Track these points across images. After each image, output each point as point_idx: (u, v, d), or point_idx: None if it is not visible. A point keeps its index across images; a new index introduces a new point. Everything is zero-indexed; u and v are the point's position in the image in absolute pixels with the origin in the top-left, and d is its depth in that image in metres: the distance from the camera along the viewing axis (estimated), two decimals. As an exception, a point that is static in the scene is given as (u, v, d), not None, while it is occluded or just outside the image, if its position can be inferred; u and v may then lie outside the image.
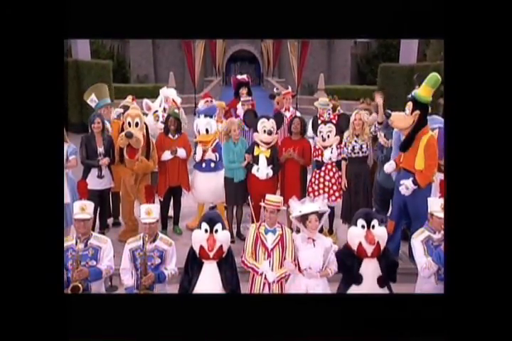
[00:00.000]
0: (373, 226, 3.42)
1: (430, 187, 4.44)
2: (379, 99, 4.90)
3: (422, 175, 4.32)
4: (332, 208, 4.79)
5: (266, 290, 3.52)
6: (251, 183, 5.08)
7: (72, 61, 12.49)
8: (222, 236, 3.39)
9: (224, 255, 3.42)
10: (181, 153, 5.22)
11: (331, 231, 5.28)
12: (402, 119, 4.36)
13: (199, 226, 3.44)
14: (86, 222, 3.52)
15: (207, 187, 5.37)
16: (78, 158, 5.03)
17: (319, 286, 3.48)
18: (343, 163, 5.06)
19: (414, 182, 4.33)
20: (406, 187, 4.36)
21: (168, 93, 6.10)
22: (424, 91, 4.25)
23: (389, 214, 5.10)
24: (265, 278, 3.50)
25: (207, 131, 5.31)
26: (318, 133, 5.09)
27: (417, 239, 3.56)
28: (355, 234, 3.44)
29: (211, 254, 3.36)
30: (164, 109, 5.78)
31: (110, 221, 5.69)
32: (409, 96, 4.49)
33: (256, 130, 5.06)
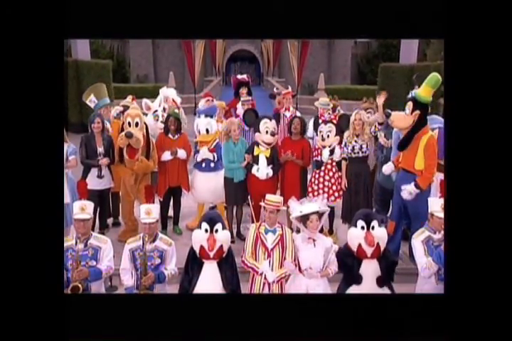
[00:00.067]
0: (373, 228, 3.40)
1: (430, 187, 4.43)
2: (380, 99, 4.90)
3: (422, 178, 4.29)
4: (332, 208, 4.79)
5: (266, 290, 3.52)
6: (251, 183, 5.08)
7: (72, 61, 12.48)
8: (223, 236, 3.39)
9: (224, 255, 3.42)
10: (181, 154, 5.21)
11: (331, 232, 5.27)
12: (402, 119, 4.35)
13: (199, 226, 3.44)
14: (86, 222, 3.52)
15: (207, 187, 5.37)
16: (78, 158, 5.03)
17: (320, 286, 3.48)
18: (343, 163, 5.06)
19: (417, 186, 4.28)
20: (409, 192, 4.30)
21: (168, 93, 6.08)
22: (424, 92, 4.25)
23: (389, 214, 5.09)
24: (265, 278, 3.50)
25: (207, 131, 5.31)
26: (318, 133, 5.09)
27: (418, 239, 3.56)
28: (354, 236, 3.43)
29: (211, 254, 3.36)
30: (164, 109, 5.76)
31: (110, 221, 5.68)
32: (409, 96, 4.49)
33: (257, 130, 5.05)
